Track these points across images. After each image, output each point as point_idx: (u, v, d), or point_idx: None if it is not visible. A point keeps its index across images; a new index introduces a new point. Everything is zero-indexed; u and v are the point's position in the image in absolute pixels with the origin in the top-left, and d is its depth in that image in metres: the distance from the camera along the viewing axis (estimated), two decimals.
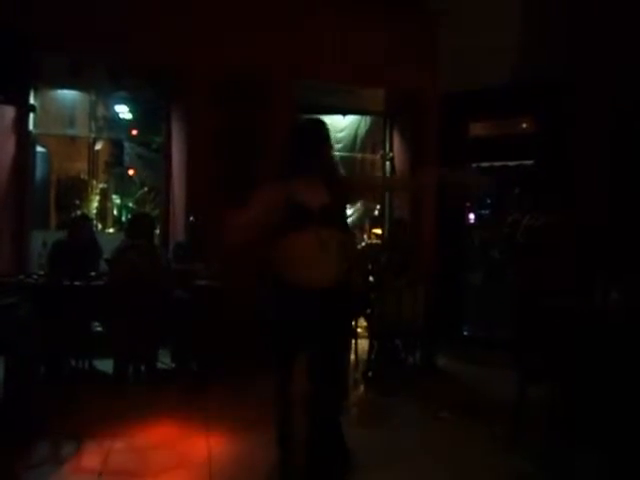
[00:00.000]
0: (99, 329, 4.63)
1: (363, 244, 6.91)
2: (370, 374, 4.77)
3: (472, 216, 7.21)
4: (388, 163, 6.83)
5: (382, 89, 6.44)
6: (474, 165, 6.38)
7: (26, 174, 5.52)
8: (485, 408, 4.02)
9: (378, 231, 7.70)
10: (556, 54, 5.40)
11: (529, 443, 3.24)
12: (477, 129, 6.21)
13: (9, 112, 5.24)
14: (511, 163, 6.15)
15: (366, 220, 8.52)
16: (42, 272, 4.49)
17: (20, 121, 5.33)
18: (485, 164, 6.44)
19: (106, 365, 4.40)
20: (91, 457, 2.98)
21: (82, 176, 8.08)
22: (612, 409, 2.96)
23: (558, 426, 3.16)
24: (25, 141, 5.43)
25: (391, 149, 6.79)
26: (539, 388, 3.38)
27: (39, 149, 6.36)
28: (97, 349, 4.40)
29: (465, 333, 6.21)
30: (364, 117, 7.37)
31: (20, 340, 3.36)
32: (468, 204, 6.74)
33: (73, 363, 4.36)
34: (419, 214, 6.26)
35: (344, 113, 7.18)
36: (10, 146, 5.29)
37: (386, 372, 4.76)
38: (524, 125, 6.39)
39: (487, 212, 8.50)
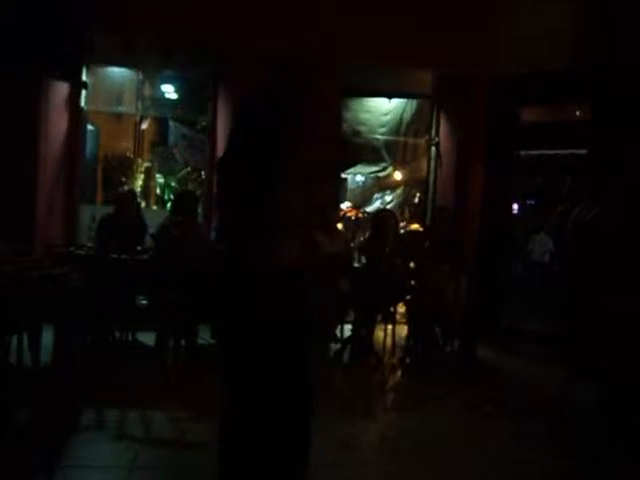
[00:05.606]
0: (143, 302, 4.75)
1: (404, 231, 6.82)
2: (407, 360, 4.73)
3: (515, 206, 6.99)
4: (433, 148, 6.69)
5: (430, 72, 6.28)
6: (523, 152, 6.18)
7: (77, 150, 5.68)
8: (524, 401, 3.94)
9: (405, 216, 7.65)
10: (617, 36, 5.13)
11: (570, 440, 3.15)
12: (528, 115, 5.99)
13: (63, 89, 5.38)
14: (563, 152, 5.92)
15: (406, 206, 8.43)
16: (91, 244, 4.62)
17: (73, 98, 5.47)
18: (535, 152, 6.23)
19: (148, 338, 4.52)
20: (132, 425, 3.08)
21: (128, 154, 8.27)
22: None
23: (604, 426, 3.06)
24: (77, 117, 5.58)
25: (437, 134, 6.64)
26: (583, 385, 3.27)
27: (89, 127, 6.53)
28: (141, 322, 4.52)
29: (506, 325, 6.08)
30: (410, 100, 7.22)
31: (70, 309, 3.48)
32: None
33: (117, 334, 4.50)
34: (464, 202, 6.12)
35: (390, 96, 7.05)
36: (63, 122, 5.44)
37: (424, 359, 4.71)
38: (578, 112, 6.12)
39: (532, 202, 8.22)
